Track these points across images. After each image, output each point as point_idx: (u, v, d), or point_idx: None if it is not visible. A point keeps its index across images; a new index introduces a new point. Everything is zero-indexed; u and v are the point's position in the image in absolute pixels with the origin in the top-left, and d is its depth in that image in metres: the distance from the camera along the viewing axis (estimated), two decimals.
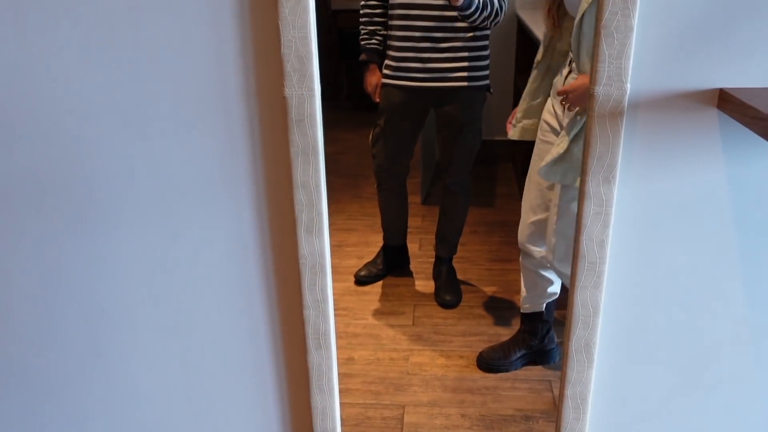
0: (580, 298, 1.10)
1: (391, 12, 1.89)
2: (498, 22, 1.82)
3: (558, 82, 1.56)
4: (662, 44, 0.98)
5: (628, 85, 0.98)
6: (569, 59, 1.49)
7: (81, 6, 1.01)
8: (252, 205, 1.11)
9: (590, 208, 1.06)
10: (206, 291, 1.17)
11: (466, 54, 1.86)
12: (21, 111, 1.08)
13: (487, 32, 1.89)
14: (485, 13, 1.76)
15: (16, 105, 1.08)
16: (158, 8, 1.01)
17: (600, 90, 0.99)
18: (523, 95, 1.67)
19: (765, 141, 0.87)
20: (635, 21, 0.95)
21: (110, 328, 1.22)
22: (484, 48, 1.90)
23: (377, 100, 2.02)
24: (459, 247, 2.28)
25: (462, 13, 1.76)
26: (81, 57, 1.04)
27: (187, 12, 1.01)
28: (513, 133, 1.70)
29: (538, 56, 1.60)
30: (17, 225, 1.15)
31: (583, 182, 1.05)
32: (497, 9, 1.79)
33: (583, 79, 1.37)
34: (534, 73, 1.62)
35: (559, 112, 1.56)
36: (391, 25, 1.89)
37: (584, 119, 1.24)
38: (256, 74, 1.04)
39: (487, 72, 1.93)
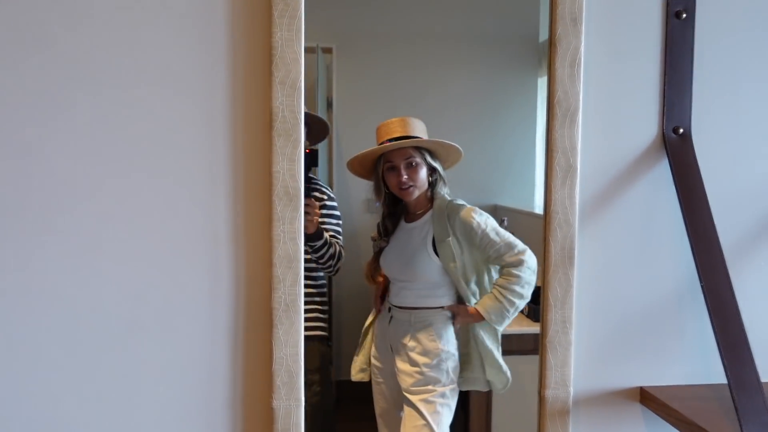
0: None
1: None
2: (338, 268, 1.82)
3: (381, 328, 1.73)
4: (594, 352, 1.19)
5: (571, 388, 1.16)
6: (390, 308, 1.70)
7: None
8: None
9: None
10: None
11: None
12: None
13: (324, 281, 1.87)
14: (331, 250, 1.77)
15: None
16: (155, 327, 1.08)
17: (550, 393, 1.16)
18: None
19: None
20: (573, 336, 1.16)
21: None
22: (322, 295, 1.86)
23: None
24: None
25: (311, 244, 1.71)
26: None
27: (182, 331, 1.09)
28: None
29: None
30: None
31: None
32: (340, 251, 1.81)
33: (460, 307, 1.62)
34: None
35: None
36: None
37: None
38: (244, 385, 1.10)
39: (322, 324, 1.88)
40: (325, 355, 1.90)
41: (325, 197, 1.83)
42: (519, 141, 1.85)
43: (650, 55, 1.16)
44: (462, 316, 1.63)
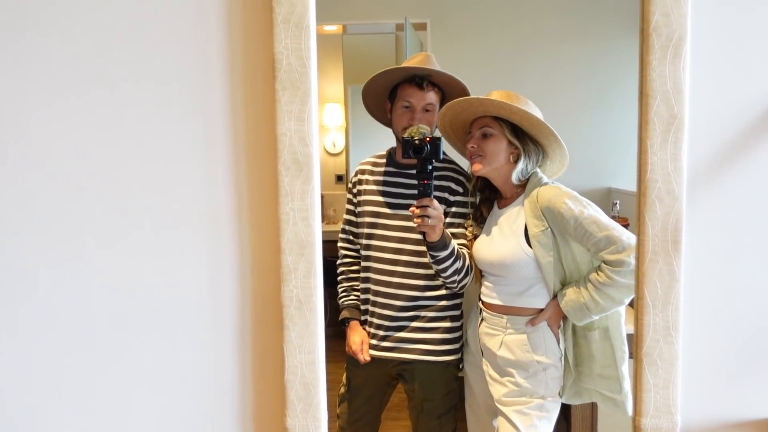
0: None
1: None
2: (465, 285, 1.50)
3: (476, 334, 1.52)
4: (710, 370, 0.89)
5: (678, 417, 0.87)
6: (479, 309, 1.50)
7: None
8: None
9: None
10: None
11: (428, 325, 1.55)
12: None
13: (458, 301, 1.56)
14: (457, 264, 1.45)
15: None
16: (147, 327, 0.90)
17: (648, 422, 0.87)
18: None
19: None
20: (680, 347, 0.86)
21: None
22: (453, 318, 1.55)
23: (367, 358, 1.69)
24: None
25: (434, 255, 1.42)
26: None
27: (179, 332, 0.90)
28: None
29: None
30: None
31: None
32: (468, 266, 1.48)
33: (554, 303, 1.41)
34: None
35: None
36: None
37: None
38: (254, 401, 0.90)
39: (456, 346, 1.56)
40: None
41: (461, 190, 1.55)
42: (635, 117, 1.65)
43: None
44: (546, 309, 1.39)
